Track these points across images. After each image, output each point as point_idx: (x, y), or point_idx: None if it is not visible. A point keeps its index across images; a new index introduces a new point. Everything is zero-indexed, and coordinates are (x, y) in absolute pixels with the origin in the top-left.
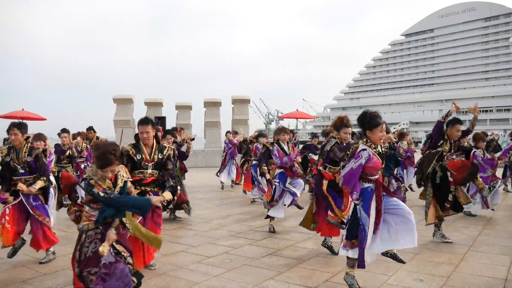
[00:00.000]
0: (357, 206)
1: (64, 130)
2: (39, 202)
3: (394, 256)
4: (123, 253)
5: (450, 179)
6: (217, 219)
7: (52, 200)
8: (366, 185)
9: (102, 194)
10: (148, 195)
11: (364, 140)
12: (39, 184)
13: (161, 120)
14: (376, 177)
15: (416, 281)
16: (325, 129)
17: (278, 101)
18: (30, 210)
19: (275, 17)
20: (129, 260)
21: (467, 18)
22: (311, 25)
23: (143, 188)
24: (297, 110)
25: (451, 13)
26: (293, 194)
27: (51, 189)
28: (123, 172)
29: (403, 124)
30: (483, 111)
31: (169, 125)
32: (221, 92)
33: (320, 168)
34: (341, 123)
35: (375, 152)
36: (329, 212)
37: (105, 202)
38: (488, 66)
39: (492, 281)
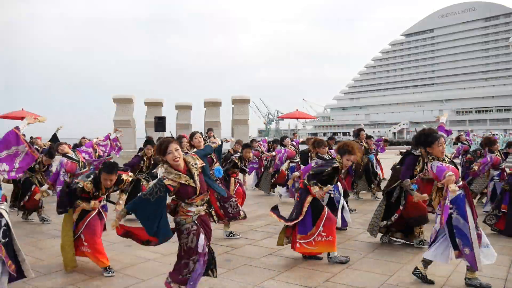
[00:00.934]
0: (452, 216)
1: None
2: None
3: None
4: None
5: (401, 207)
6: None
7: None
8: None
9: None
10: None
11: (430, 158)
12: None
13: (161, 120)
14: (461, 183)
15: (416, 281)
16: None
17: (278, 101)
18: None
19: (275, 16)
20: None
21: (467, 18)
22: (311, 25)
23: None
24: (297, 110)
25: (451, 13)
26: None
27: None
28: (195, 161)
29: (403, 124)
30: (483, 111)
31: (169, 125)
32: (221, 92)
33: (309, 183)
34: (344, 150)
35: (444, 162)
36: (288, 222)
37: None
38: (488, 66)
39: (492, 281)
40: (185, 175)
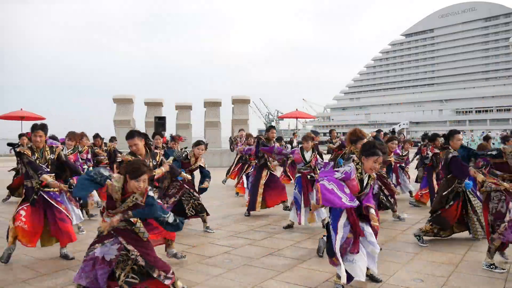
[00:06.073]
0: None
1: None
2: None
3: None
4: None
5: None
6: (217, 219)
7: None
8: None
9: None
10: None
11: None
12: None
13: (161, 120)
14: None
15: (416, 281)
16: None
17: (278, 101)
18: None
19: (275, 16)
20: None
21: (467, 18)
22: (311, 25)
23: None
24: (297, 110)
25: (451, 13)
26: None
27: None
28: None
29: (403, 124)
30: (483, 111)
31: (169, 125)
32: (221, 92)
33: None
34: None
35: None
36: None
37: None
38: (488, 66)
39: (492, 281)
40: None
